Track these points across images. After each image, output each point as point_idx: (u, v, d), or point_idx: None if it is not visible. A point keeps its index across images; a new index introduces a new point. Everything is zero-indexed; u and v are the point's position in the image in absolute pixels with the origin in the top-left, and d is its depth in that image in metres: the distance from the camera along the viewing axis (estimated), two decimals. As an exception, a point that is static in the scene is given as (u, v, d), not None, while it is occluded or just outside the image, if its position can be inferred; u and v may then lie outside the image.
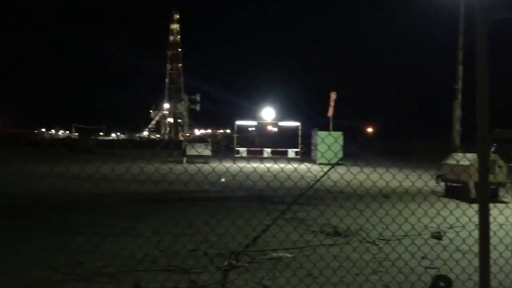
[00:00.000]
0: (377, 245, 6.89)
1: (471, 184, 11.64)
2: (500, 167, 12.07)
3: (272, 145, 32.77)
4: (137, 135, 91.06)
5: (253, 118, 37.93)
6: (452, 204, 7.20)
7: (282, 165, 5.86)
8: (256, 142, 33.99)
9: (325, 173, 7.45)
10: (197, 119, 76.50)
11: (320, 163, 17.50)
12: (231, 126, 35.87)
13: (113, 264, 5.65)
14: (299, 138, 32.48)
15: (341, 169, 6.37)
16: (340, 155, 21.00)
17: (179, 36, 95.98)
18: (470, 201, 10.34)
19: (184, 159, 25.99)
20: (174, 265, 5.69)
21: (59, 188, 10.85)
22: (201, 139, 49.26)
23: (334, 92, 30.29)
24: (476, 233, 3.28)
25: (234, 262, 5.83)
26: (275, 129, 34.76)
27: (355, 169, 5.99)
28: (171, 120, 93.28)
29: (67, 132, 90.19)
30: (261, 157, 28.87)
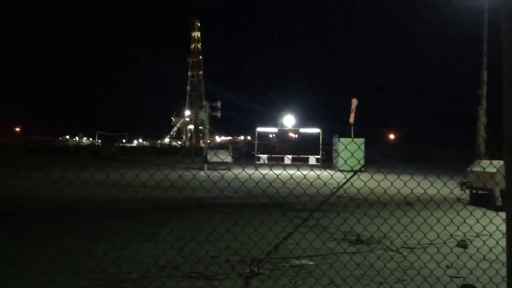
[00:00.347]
0: (401, 253, 6.81)
1: (497, 192, 11.41)
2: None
3: (293, 151, 32.73)
4: (159, 142, 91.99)
5: (274, 125, 37.97)
6: (478, 212, 7.06)
7: (305, 172, 5.85)
8: (277, 148, 34.00)
9: (348, 179, 7.40)
10: (218, 126, 76.97)
11: (342, 170, 17.40)
12: (252, 133, 35.98)
13: (138, 270, 5.71)
14: (320, 145, 32.36)
15: (365, 176, 6.33)
16: (363, 162, 20.84)
17: (199, 44, 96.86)
18: (496, 209, 10.13)
19: (205, 166, 26.14)
20: (197, 271, 5.71)
21: (84, 195, 11.03)
22: (222, 146, 49.52)
23: (355, 98, 30.12)
24: (503, 242, 3.22)
25: (256, 269, 5.83)
26: (296, 136, 34.73)
27: (378, 176, 5.94)
28: (192, 127, 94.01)
29: (91, 139, 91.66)
30: (283, 164, 28.84)
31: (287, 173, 5.78)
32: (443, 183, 5.62)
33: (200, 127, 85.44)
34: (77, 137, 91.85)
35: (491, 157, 14.58)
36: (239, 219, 7.57)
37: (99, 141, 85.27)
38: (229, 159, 27.43)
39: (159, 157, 40.78)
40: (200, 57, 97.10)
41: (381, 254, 6.61)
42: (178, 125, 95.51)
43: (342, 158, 25.95)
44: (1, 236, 7.89)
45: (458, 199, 11.04)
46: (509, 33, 3.01)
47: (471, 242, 7.20)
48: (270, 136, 35.34)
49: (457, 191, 11.48)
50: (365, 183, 5.69)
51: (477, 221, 5.81)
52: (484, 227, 6.18)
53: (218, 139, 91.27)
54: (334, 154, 30.64)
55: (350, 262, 5.99)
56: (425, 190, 5.53)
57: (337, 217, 7.13)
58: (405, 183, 5.53)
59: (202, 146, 53.72)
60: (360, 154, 23.44)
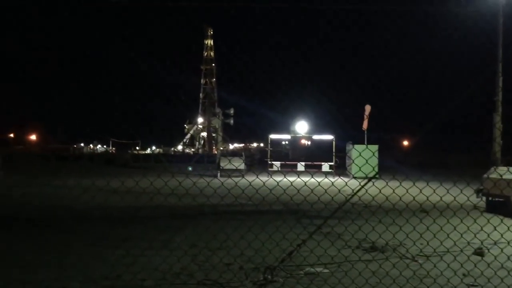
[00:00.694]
0: (417, 261, 6.72)
1: (515, 199, 11.22)
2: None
3: (305, 158, 32.61)
4: (172, 149, 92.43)
5: (287, 131, 37.92)
6: (495, 219, 6.97)
7: (319, 179, 5.83)
8: (290, 155, 33.94)
9: (362, 186, 7.34)
10: (230, 133, 77.14)
11: (357, 177, 17.31)
12: (265, 140, 35.96)
13: (152, 277, 5.72)
14: (333, 152, 32.20)
15: (379, 183, 6.28)
16: (377, 169, 20.70)
17: (212, 52, 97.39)
18: (514, 216, 9.97)
19: (218, 173, 26.19)
20: (211, 279, 5.70)
21: (100, 202, 11.12)
22: (235, 153, 49.56)
23: (369, 105, 29.96)
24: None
25: (269, 277, 5.80)
26: (309, 143, 34.63)
27: (393, 183, 5.89)
28: (205, 134, 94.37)
29: (105, 146, 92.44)
30: (296, 171, 28.76)
31: (301, 180, 5.76)
32: (460, 190, 5.55)
33: (213, 134, 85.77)
34: (91, 145, 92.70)
35: (508, 163, 14.37)
36: (253, 226, 7.56)
37: (113, 148, 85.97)
38: (242, 166, 27.42)
39: (172, 164, 40.96)
40: (213, 64, 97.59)
41: (396, 262, 6.54)
42: (191, 132, 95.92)
43: (357, 165, 25.81)
44: (18, 242, 7.97)
45: (475, 207, 10.90)
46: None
47: (488, 250, 7.09)
48: (283, 143, 35.24)
49: (474, 199, 11.32)
50: (380, 190, 5.65)
51: (494, 228, 5.73)
52: (501, 235, 6.10)
53: (231, 146, 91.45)
54: (348, 161, 30.46)
55: (365, 270, 5.94)
56: (441, 197, 5.47)
57: (352, 225, 7.07)
58: (420, 190, 5.48)
59: (215, 153, 53.88)
60: (375, 161, 23.31)
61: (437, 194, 5.26)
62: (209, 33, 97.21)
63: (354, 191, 6.83)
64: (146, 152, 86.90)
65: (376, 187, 5.85)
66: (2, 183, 17.83)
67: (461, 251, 6.84)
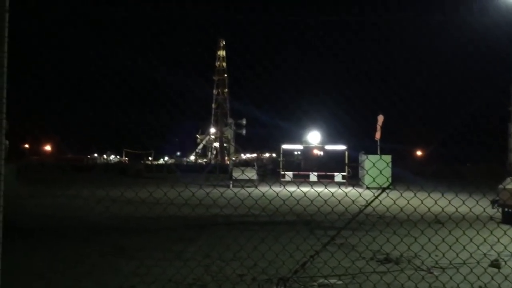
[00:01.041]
0: (432, 273, 6.64)
1: (532, 210, 11.06)
2: None
3: (318, 168, 32.50)
4: (184, 159, 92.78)
5: (299, 142, 37.86)
6: (512, 231, 6.90)
7: (332, 190, 5.81)
8: (302, 165, 33.87)
9: (376, 197, 7.30)
10: (243, 143, 77.24)
11: (370, 187, 17.23)
12: (277, 150, 35.94)
13: (165, 287, 5.73)
14: (346, 162, 32.06)
15: (394, 194, 6.24)
16: (390, 179, 20.58)
17: (224, 63, 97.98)
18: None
19: (231, 183, 26.20)
20: (225, 290, 5.70)
21: (114, 212, 11.20)
22: (247, 163, 49.59)
23: (382, 115, 29.83)
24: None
25: (283, 288, 5.77)
26: (321, 153, 34.55)
27: (408, 194, 5.85)
28: (217, 144, 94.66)
29: (118, 157, 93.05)
30: (309, 181, 28.67)
31: (314, 191, 5.75)
32: (475, 201, 5.50)
33: (225, 145, 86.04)
34: (105, 155, 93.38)
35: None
36: (266, 237, 7.55)
37: (127, 158, 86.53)
38: (255, 176, 27.42)
39: (184, 174, 41.11)
40: (225, 75, 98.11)
41: (412, 274, 6.47)
42: (204, 142, 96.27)
43: (370, 175, 25.64)
44: (33, 252, 8.05)
45: (491, 218, 10.76)
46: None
47: (505, 262, 6.98)
48: (296, 153, 35.23)
49: (490, 210, 11.18)
50: (394, 201, 5.61)
51: (511, 240, 5.64)
52: (519, 247, 6.00)
53: (243, 156, 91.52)
54: (361, 171, 30.30)
55: (380, 282, 5.88)
56: (456, 208, 5.42)
57: (366, 236, 7.03)
58: (435, 201, 5.44)
59: (227, 164, 53.97)
60: (388, 171, 23.16)
61: (452, 205, 5.22)
62: (221, 44, 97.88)
63: (368, 202, 6.80)
64: (159, 162, 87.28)
65: (391, 198, 5.81)
66: (18, 194, 18.04)
67: (478, 263, 6.75)
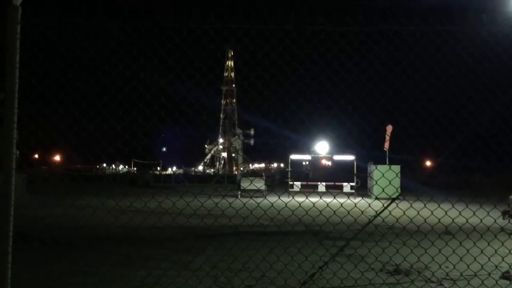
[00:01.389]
0: (443, 284, 6.57)
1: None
2: None
3: (326, 179, 32.37)
4: (192, 169, 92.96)
5: (307, 151, 37.76)
6: (524, 242, 6.81)
7: (341, 200, 5.79)
8: (310, 176, 33.75)
9: (385, 207, 7.26)
10: (251, 153, 77.23)
11: (379, 198, 17.13)
12: (285, 160, 35.89)
13: (174, 298, 5.72)
14: (355, 172, 31.92)
15: (403, 205, 6.20)
16: (399, 190, 20.45)
17: (233, 73, 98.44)
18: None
19: (239, 193, 26.17)
20: (234, 301, 5.67)
21: (123, 223, 11.22)
22: (255, 173, 49.55)
23: (390, 125, 29.71)
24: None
25: (293, 299, 5.73)
26: (329, 163, 34.41)
27: (418, 205, 5.81)
28: (225, 154, 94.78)
29: (127, 167, 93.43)
30: (318, 191, 28.55)
31: (323, 201, 5.74)
32: (486, 212, 5.44)
33: (233, 155, 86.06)
34: (113, 165, 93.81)
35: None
36: (274, 247, 7.52)
37: (135, 168, 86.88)
38: (263, 186, 27.37)
39: (192, 184, 41.14)
40: (233, 85, 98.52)
41: (422, 285, 6.40)
42: (212, 152, 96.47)
43: (379, 186, 25.49)
44: (42, 262, 8.07)
45: (502, 229, 10.64)
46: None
47: (517, 274, 6.88)
48: (304, 163, 35.10)
49: (501, 221, 11.06)
50: (404, 211, 5.57)
51: (524, 252, 5.57)
52: (531, 259, 5.92)
53: (251, 166, 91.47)
54: (369, 182, 30.14)
55: (390, 293, 5.82)
56: (467, 219, 5.37)
57: (376, 247, 6.97)
58: (446, 212, 5.40)
59: (235, 174, 53.96)
60: (397, 181, 23.01)
61: (463, 216, 5.17)
62: (229, 55, 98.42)
63: (377, 212, 6.76)
64: (167, 172, 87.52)
65: (400, 208, 5.77)
66: (27, 204, 18.14)
67: (489, 275, 6.66)
